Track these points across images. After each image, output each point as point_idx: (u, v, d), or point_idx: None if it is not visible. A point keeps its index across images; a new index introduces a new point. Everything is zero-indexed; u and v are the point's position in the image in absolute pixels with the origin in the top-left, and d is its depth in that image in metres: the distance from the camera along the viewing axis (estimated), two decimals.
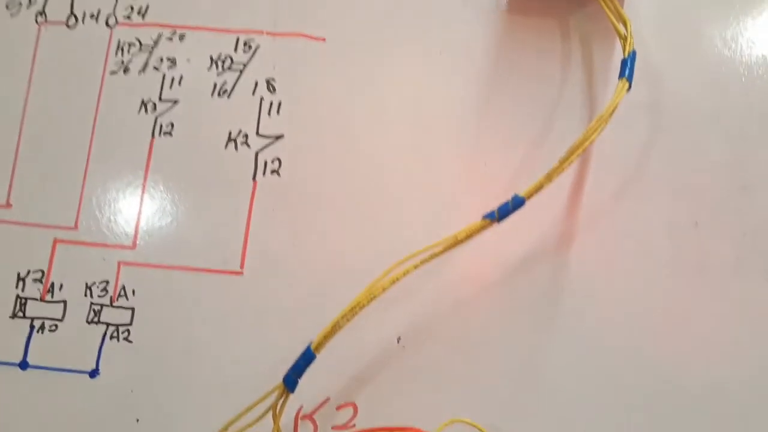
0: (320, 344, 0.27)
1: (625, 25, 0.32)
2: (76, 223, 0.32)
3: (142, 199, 0.32)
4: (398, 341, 0.31)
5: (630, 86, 0.30)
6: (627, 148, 0.33)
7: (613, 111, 0.29)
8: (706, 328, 0.31)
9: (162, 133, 0.33)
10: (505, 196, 0.29)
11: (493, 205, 0.29)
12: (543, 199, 0.29)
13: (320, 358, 0.27)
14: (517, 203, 0.28)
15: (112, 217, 0.32)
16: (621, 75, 0.30)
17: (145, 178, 0.33)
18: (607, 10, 0.32)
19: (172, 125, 0.33)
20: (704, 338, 0.31)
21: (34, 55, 0.34)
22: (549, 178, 0.28)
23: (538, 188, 0.28)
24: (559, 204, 0.33)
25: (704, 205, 0.33)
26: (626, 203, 0.33)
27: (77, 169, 0.33)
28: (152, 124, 0.33)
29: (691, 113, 0.34)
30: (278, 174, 0.33)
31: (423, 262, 0.28)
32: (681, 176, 0.33)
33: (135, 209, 0.32)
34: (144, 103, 0.33)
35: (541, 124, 0.34)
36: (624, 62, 0.31)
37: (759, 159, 0.33)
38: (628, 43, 0.31)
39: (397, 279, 0.27)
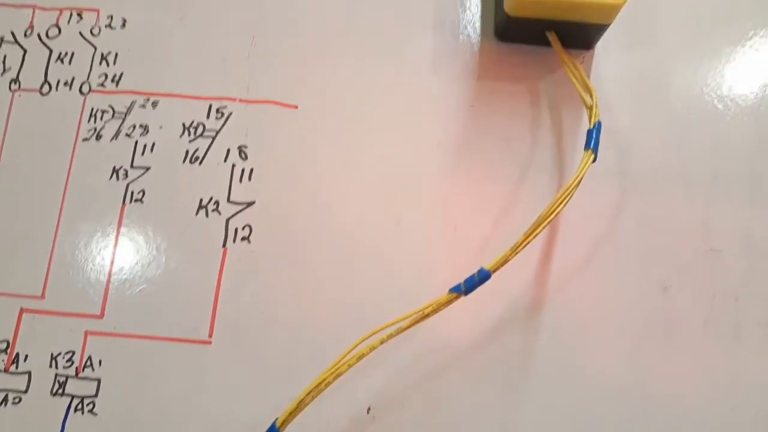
0: (285, 421, 0.26)
1: (590, 94, 0.32)
2: (43, 292, 0.32)
3: (111, 267, 0.32)
4: (368, 411, 0.31)
5: (596, 157, 0.31)
6: (595, 214, 0.34)
7: (579, 183, 0.29)
8: (677, 392, 0.31)
9: (133, 200, 0.33)
10: (477, 262, 0.29)
11: (465, 271, 0.29)
12: (513, 266, 0.29)
13: None
14: (483, 276, 0.28)
15: (80, 286, 0.32)
16: (587, 146, 0.31)
17: (114, 246, 0.33)
18: (573, 80, 0.33)
19: (144, 192, 0.33)
20: (675, 402, 0.31)
21: (7, 122, 0.34)
22: (515, 251, 0.28)
23: (504, 261, 0.28)
24: (529, 270, 0.33)
25: (674, 269, 0.33)
26: (596, 269, 0.33)
27: (46, 237, 0.33)
28: (123, 191, 0.33)
29: (659, 178, 0.34)
30: (248, 241, 0.33)
31: (390, 336, 0.28)
32: (650, 241, 0.33)
33: (104, 277, 0.32)
34: (116, 170, 0.33)
35: (512, 188, 0.34)
36: (590, 133, 0.31)
37: (726, 222, 0.34)
38: (593, 113, 0.32)
39: (363, 355, 0.27)
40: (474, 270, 0.29)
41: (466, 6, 0.36)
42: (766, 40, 0.37)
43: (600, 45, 0.36)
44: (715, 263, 0.33)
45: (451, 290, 0.28)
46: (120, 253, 0.33)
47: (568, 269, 0.33)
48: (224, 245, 0.33)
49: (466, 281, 0.28)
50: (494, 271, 0.28)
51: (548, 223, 0.29)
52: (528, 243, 0.28)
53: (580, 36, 0.35)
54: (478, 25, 0.36)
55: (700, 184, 0.34)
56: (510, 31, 0.35)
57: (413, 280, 0.32)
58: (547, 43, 0.34)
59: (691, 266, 0.33)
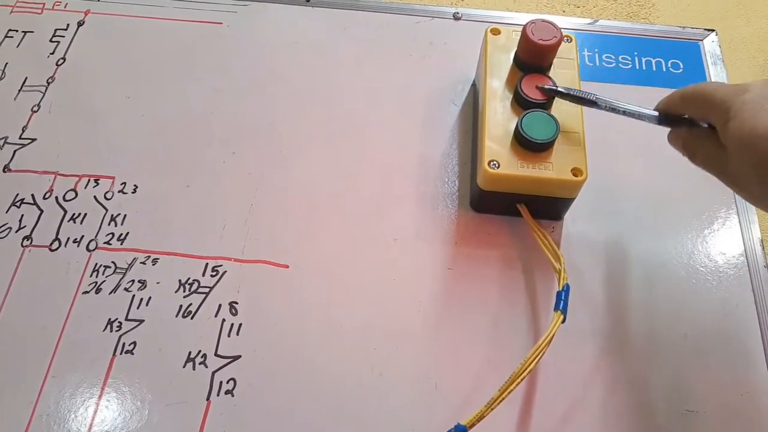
0: None
1: (559, 260, 0.35)
2: None
3: (92, 420, 0.33)
4: None
5: (565, 318, 0.32)
6: (572, 372, 0.35)
7: (549, 342, 0.31)
8: None
9: (124, 351, 0.34)
10: (456, 418, 0.30)
11: (444, 426, 0.30)
12: (491, 422, 0.30)
13: None
14: None
15: None
16: (556, 307, 0.33)
17: (100, 397, 0.33)
18: (543, 247, 0.36)
19: (135, 344, 0.34)
20: None
21: (14, 275, 0.36)
22: (490, 407, 0.29)
23: (480, 417, 0.29)
24: (509, 427, 0.33)
25: (650, 429, 0.33)
26: (574, 426, 0.33)
27: (33, 387, 0.33)
28: (115, 342, 0.35)
29: (630, 339, 0.36)
30: (232, 394, 0.33)
31: None
32: (626, 400, 0.34)
33: (84, 429, 0.32)
34: (110, 322, 0.35)
35: (488, 347, 0.35)
36: (558, 295, 0.33)
37: (698, 385, 0.35)
38: (561, 277, 0.34)
39: None
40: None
41: (444, 181, 0.41)
42: (720, 212, 0.40)
43: (569, 216, 0.39)
44: (690, 424, 0.34)
45: None
46: (104, 405, 0.33)
47: (547, 426, 0.33)
48: (208, 398, 0.33)
49: None
50: (470, 427, 0.29)
51: (521, 380, 0.30)
52: (503, 399, 0.29)
53: (549, 208, 0.38)
54: (456, 197, 0.40)
55: (672, 346, 0.36)
56: (484, 203, 0.39)
57: None
58: (519, 214, 0.38)
59: (667, 427, 0.33)
